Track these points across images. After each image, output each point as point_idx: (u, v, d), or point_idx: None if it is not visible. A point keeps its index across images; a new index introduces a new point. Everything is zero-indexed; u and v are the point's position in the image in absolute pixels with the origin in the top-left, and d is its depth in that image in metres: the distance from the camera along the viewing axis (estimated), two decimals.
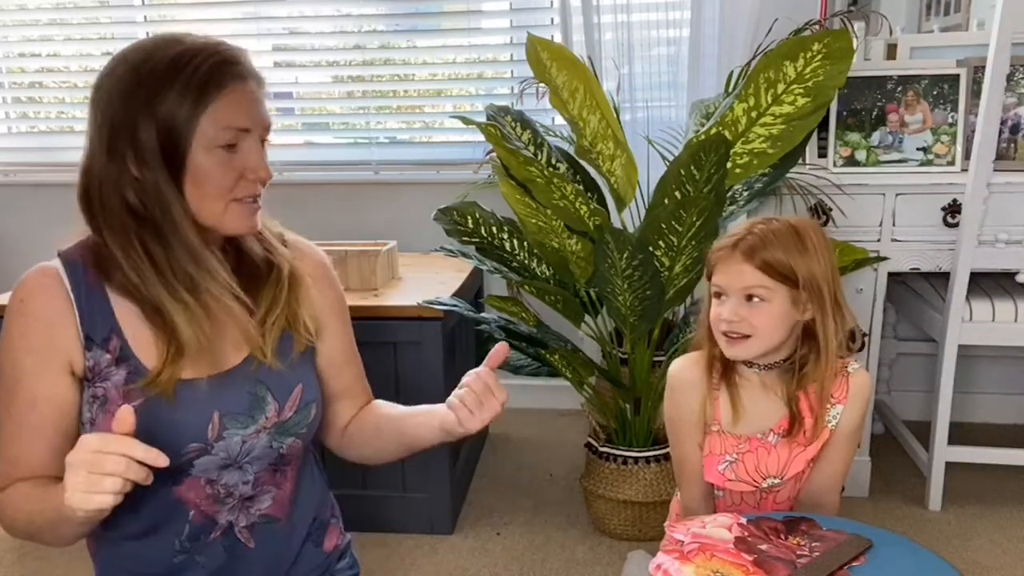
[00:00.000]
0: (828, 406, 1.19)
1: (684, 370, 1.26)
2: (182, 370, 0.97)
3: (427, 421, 1.06)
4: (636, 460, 1.92)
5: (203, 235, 0.99)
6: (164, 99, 0.92)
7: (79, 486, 0.80)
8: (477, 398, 0.99)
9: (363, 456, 1.19)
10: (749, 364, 1.20)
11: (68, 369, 0.97)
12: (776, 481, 1.20)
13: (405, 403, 1.16)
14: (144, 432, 0.84)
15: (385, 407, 1.18)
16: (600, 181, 1.97)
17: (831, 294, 1.15)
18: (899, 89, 2.03)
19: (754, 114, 1.67)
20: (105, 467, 0.80)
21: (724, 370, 1.22)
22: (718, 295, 1.18)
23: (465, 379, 1.01)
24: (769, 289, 1.13)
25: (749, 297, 1.14)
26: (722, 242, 1.18)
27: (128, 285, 0.96)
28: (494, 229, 2.00)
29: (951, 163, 2.02)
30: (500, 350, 1.03)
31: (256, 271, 1.05)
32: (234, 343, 1.02)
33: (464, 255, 1.99)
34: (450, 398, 1.02)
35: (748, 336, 1.14)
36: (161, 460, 0.82)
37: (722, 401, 1.22)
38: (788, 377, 1.19)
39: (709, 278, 1.19)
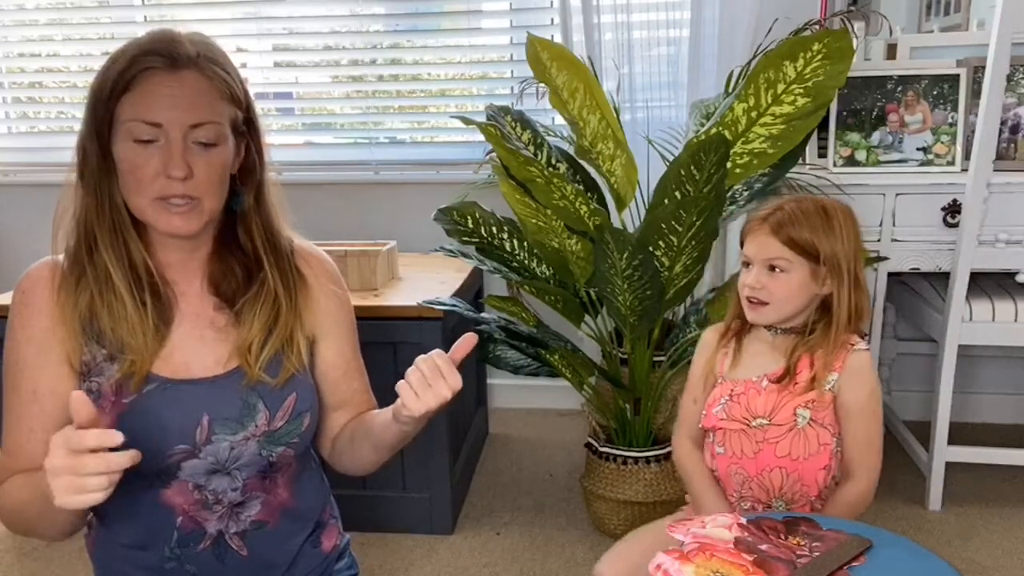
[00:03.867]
0: (827, 371, 1.26)
1: (709, 332, 1.39)
2: (151, 364, 0.97)
3: (385, 413, 1.03)
4: (636, 460, 1.92)
5: (148, 230, 0.99)
6: (98, 86, 0.95)
7: (66, 489, 0.78)
8: (424, 379, 0.93)
9: (345, 465, 1.15)
10: (768, 327, 1.29)
11: (68, 361, 0.98)
12: (764, 422, 1.26)
13: None
14: (132, 430, 0.83)
15: (366, 414, 1.13)
16: (600, 181, 1.97)
17: (851, 272, 1.23)
18: (899, 89, 2.03)
19: (754, 114, 1.67)
20: (87, 468, 0.77)
21: (739, 331, 1.34)
22: (746, 263, 1.27)
23: (418, 359, 0.95)
24: (789, 261, 1.22)
25: (772, 267, 1.23)
26: (755, 214, 1.27)
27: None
28: (494, 229, 2.00)
29: (951, 163, 2.02)
30: (468, 340, 0.96)
31: (236, 285, 1.04)
32: (222, 350, 1.02)
33: (464, 255, 1.99)
34: (400, 381, 0.95)
35: (767, 303, 1.24)
36: (113, 437, 0.78)
37: (728, 355, 1.34)
38: (797, 340, 1.28)
39: (742, 246, 1.29)
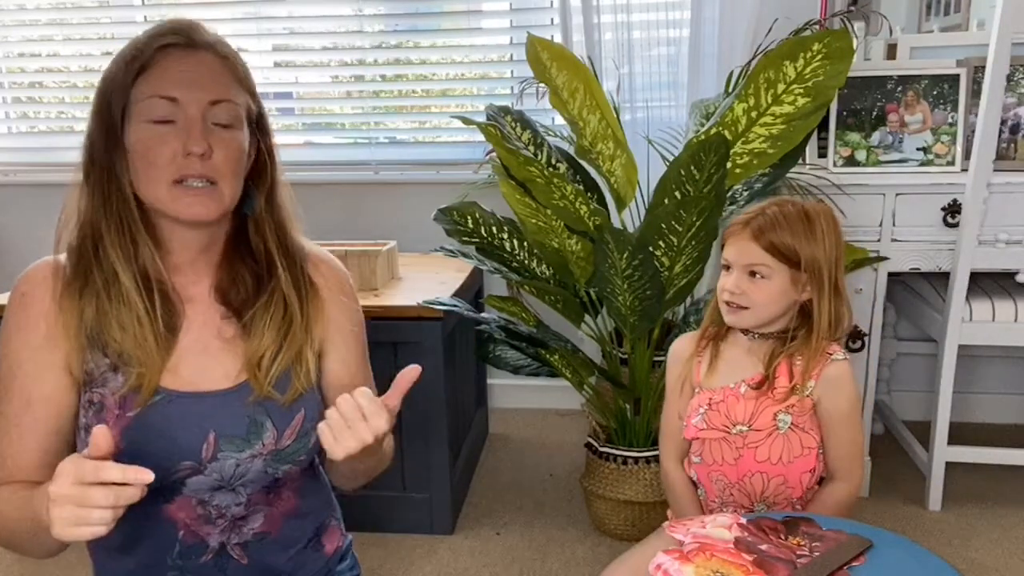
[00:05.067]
0: (805, 378, 1.26)
1: (679, 342, 1.39)
2: (159, 377, 0.94)
3: None
4: (636, 460, 1.92)
5: (168, 224, 0.96)
6: (112, 73, 0.93)
7: (67, 520, 0.75)
8: (343, 422, 0.86)
9: (335, 480, 1.13)
10: (745, 331, 1.29)
11: (67, 369, 0.93)
12: (744, 428, 1.26)
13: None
14: (137, 445, 0.79)
15: None
16: (600, 181, 1.97)
17: (831, 279, 1.23)
18: (899, 89, 2.03)
19: (754, 114, 1.67)
20: (93, 500, 0.74)
21: (715, 335, 1.33)
22: (726, 267, 1.27)
23: (338, 399, 0.88)
24: (770, 267, 1.22)
25: (752, 273, 1.23)
26: (737, 218, 1.26)
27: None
28: (494, 229, 2.00)
29: (951, 163, 2.02)
30: (409, 374, 0.90)
31: (245, 294, 1.01)
32: (231, 363, 0.99)
33: (464, 255, 1.99)
34: (320, 423, 0.89)
35: (746, 308, 1.24)
36: (144, 475, 0.75)
37: (704, 363, 1.33)
38: (775, 346, 1.27)
39: (723, 248, 1.28)
